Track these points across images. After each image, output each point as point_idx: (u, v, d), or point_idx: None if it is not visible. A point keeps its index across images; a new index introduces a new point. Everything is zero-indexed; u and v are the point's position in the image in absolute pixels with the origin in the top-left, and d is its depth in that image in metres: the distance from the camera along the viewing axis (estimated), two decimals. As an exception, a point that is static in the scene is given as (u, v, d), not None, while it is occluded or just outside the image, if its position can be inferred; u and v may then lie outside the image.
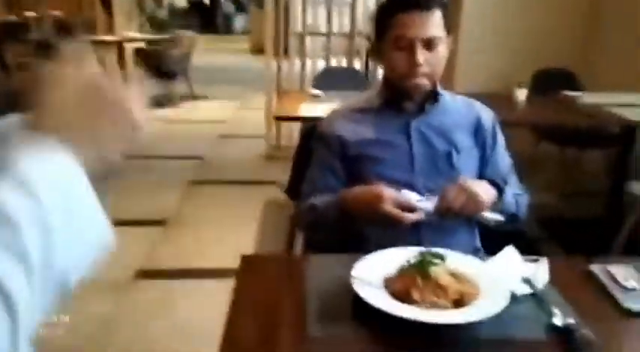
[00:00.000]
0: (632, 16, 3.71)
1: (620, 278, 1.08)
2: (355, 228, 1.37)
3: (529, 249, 1.44)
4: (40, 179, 0.50)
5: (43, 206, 0.49)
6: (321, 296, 1.03)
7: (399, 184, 1.33)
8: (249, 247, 3.00)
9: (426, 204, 1.22)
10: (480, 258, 1.44)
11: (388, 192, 1.21)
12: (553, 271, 1.09)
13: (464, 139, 1.42)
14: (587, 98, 3.13)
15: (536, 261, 1.15)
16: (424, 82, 1.36)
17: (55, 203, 0.50)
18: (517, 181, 1.49)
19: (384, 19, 1.38)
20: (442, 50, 1.35)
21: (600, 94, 3.24)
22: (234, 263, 2.94)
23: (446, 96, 1.45)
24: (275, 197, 3.68)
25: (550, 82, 3.55)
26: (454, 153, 1.39)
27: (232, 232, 3.20)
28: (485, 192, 1.25)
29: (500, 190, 1.30)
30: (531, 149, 3.68)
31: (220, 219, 3.41)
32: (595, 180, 3.56)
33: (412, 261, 1.03)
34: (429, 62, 1.33)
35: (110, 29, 8.24)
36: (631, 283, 1.07)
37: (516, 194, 1.41)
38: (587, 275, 1.10)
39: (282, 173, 4.27)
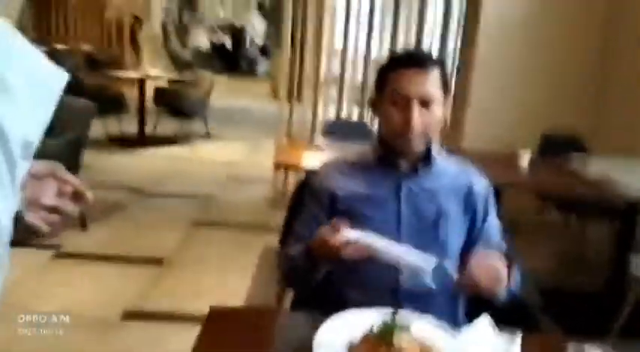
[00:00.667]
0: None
1: (594, 361, 1.04)
2: (331, 286, 1.35)
3: (521, 318, 1.39)
4: None
5: None
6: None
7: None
8: (243, 294, 2.96)
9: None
10: (458, 326, 1.41)
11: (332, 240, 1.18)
12: (526, 348, 1.05)
13: (453, 206, 1.40)
14: (594, 163, 3.09)
15: (510, 334, 1.11)
16: (417, 141, 1.35)
17: None
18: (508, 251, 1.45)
19: (383, 74, 1.39)
20: (438, 110, 1.35)
21: (608, 160, 3.22)
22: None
23: (440, 159, 1.44)
24: (274, 244, 3.66)
25: (557, 145, 3.55)
26: (442, 220, 1.37)
27: (229, 277, 3.17)
28: (503, 268, 1.20)
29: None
30: (534, 214, 3.64)
31: (218, 262, 3.39)
32: (598, 252, 3.48)
33: (377, 327, 1.00)
34: (424, 120, 1.32)
35: (136, 66, 8.50)
36: (606, 367, 1.03)
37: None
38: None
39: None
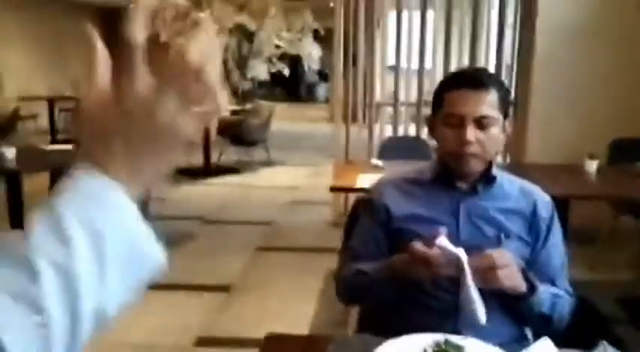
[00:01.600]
0: None
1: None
2: (400, 306, 1.35)
3: (605, 332, 1.33)
4: (75, 221, 0.43)
5: (72, 253, 0.42)
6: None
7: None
8: (309, 317, 2.99)
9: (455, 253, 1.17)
10: (524, 346, 1.36)
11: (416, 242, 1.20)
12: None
13: (516, 226, 1.36)
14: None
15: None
16: (473, 162, 1.33)
17: (87, 248, 0.43)
18: (566, 282, 1.40)
19: (439, 95, 1.38)
20: (496, 131, 1.32)
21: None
22: (293, 333, 2.94)
23: (503, 179, 1.40)
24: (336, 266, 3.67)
25: (627, 152, 3.37)
26: (503, 239, 1.33)
27: (295, 302, 3.21)
28: (509, 273, 1.18)
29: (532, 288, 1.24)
30: (609, 223, 3.45)
31: (284, 287, 3.44)
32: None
33: (429, 350, 0.99)
34: (480, 141, 1.30)
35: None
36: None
37: (555, 295, 1.32)
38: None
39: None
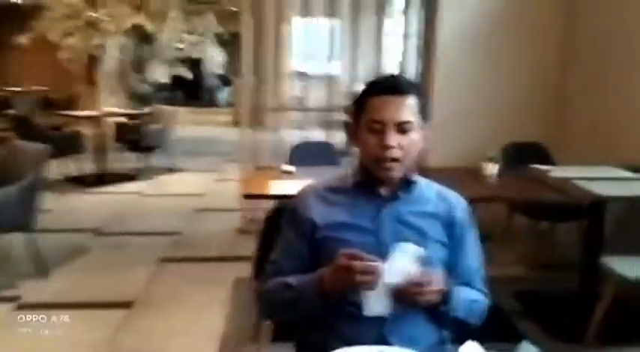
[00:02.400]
0: (598, 91, 3.82)
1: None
2: (324, 316, 1.32)
3: (505, 325, 1.37)
4: None
5: None
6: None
7: None
8: (219, 330, 2.86)
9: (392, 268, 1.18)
10: (446, 350, 1.37)
11: (343, 250, 1.22)
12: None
13: (435, 230, 1.38)
14: (557, 172, 3.14)
15: (496, 357, 1.07)
16: (395, 169, 1.34)
17: None
18: (482, 282, 1.44)
19: (359, 101, 1.38)
20: (416, 136, 1.34)
21: (570, 168, 3.27)
22: (203, 349, 2.80)
23: (421, 184, 1.43)
24: (246, 274, 3.57)
25: (521, 156, 3.59)
26: (423, 245, 1.33)
27: (203, 314, 3.06)
28: (429, 298, 1.22)
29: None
30: (504, 222, 3.66)
31: (191, 299, 3.27)
32: (569, 252, 3.52)
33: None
34: (402, 146, 1.31)
35: (94, 103, 8.35)
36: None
37: (471, 300, 1.36)
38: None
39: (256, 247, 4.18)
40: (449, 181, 1.52)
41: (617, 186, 2.89)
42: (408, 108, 1.32)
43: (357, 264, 1.16)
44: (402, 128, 1.31)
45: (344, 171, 1.47)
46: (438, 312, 1.28)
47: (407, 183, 1.39)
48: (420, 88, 1.39)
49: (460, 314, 1.31)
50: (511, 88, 4.17)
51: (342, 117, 5.32)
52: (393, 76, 1.51)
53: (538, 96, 4.22)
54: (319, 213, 1.38)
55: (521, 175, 3.16)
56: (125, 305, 3.16)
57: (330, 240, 1.34)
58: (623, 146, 3.49)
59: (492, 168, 3.12)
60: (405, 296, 1.18)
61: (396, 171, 1.34)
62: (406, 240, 1.30)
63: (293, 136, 4.93)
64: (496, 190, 3.02)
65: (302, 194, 1.46)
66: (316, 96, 5.14)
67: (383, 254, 1.30)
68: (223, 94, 17.83)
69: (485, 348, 1.11)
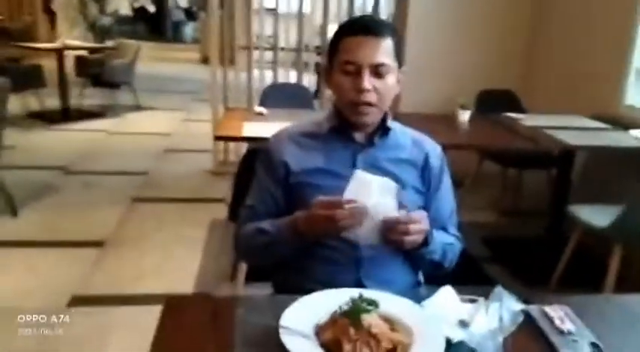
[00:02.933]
0: (569, 41, 3.84)
1: (556, 321, 1.07)
2: (300, 258, 1.33)
3: (474, 270, 1.43)
4: None
5: None
6: (248, 345, 0.96)
7: None
8: (193, 270, 2.89)
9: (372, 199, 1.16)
10: (420, 292, 1.43)
11: (318, 199, 1.19)
12: (490, 313, 1.06)
13: (410, 176, 1.38)
14: (528, 121, 3.20)
15: (474, 301, 1.12)
16: (371, 114, 1.32)
17: None
18: (455, 227, 1.47)
19: (334, 42, 1.34)
20: (391, 80, 1.31)
21: (540, 116, 3.33)
22: (177, 287, 2.83)
23: (396, 130, 1.41)
24: (221, 216, 3.58)
25: (493, 103, 3.63)
26: (399, 189, 1.35)
27: (176, 255, 3.07)
28: (415, 239, 1.21)
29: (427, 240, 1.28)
30: (475, 168, 3.74)
31: (163, 239, 3.27)
32: (536, 200, 3.64)
33: (344, 307, 0.98)
34: (377, 90, 1.29)
35: (51, 36, 7.94)
36: (567, 325, 1.06)
37: (447, 244, 1.38)
38: (524, 318, 1.08)
39: (229, 190, 4.20)
40: (421, 127, 1.52)
41: (585, 135, 2.97)
42: (384, 50, 1.28)
43: (339, 212, 1.14)
44: (378, 71, 1.28)
45: (319, 115, 1.45)
46: (416, 254, 1.30)
47: (383, 129, 1.38)
48: (396, 30, 1.34)
49: (436, 257, 1.33)
50: (484, 36, 4.16)
51: (313, 58, 5.24)
52: (368, 16, 1.46)
53: (510, 45, 4.22)
54: (294, 157, 1.37)
55: (493, 122, 3.21)
56: (97, 244, 3.15)
57: (305, 186, 1.34)
58: (588, 96, 3.56)
59: (464, 115, 3.15)
60: (393, 234, 1.17)
61: (371, 116, 1.33)
62: None
63: (264, 76, 4.84)
64: (467, 137, 3.06)
65: (276, 138, 1.44)
66: (286, 35, 5.00)
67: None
68: (189, 30, 17.18)
69: (458, 292, 1.15)
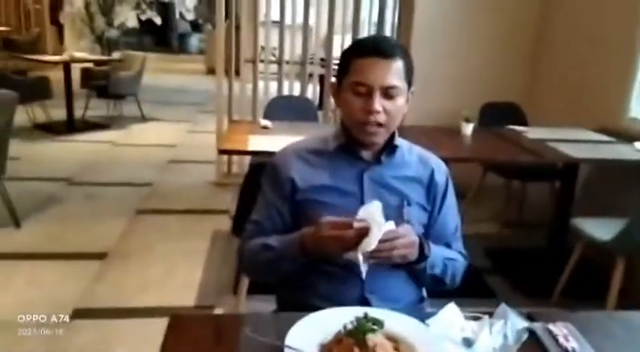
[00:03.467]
0: (573, 54, 3.85)
1: (560, 339, 1.06)
2: (304, 274, 1.33)
3: (476, 282, 1.42)
4: None
5: None
6: (252, 364, 0.96)
7: None
8: (195, 283, 2.89)
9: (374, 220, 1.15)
10: (424, 309, 1.42)
11: (325, 219, 1.18)
12: (494, 331, 1.06)
13: (416, 193, 1.38)
14: (532, 133, 3.21)
15: (478, 318, 1.12)
16: (379, 134, 1.32)
17: None
18: (460, 245, 1.46)
19: (345, 60, 1.33)
20: (401, 101, 1.31)
21: (544, 129, 3.34)
22: (180, 300, 2.83)
23: (403, 147, 1.42)
24: (224, 227, 3.58)
25: (497, 115, 3.64)
26: (405, 206, 1.35)
27: (179, 267, 3.07)
28: (402, 252, 1.20)
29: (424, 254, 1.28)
30: (478, 180, 3.73)
31: (166, 251, 3.28)
32: (539, 212, 3.63)
33: (349, 327, 0.98)
34: (387, 111, 1.29)
35: (58, 48, 8.01)
36: (571, 344, 1.05)
37: (448, 258, 1.37)
38: (529, 336, 1.07)
39: (233, 201, 4.19)
40: (425, 139, 1.53)
41: (589, 148, 2.97)
42: (394, 71, 1.28)
43: (347, 232, 1.14)
44: (388, 92, 1.28)
45: (325, 132, 1.46)
46: (415, 269, 1.30)
47: (389, 148, 1.38)
48: (407, 52, 1.35)
49: (437, 271, 1.32)
50: (488, 48, 4.17)
51: (318, 69, 5.26)
52: (380, 37, 1.46)
53: (515, 57, 4.23)
54: (300, 174, 1.37)
55: (497, 135, 3.22)
56: (99, 256, 3.16)
57: (312, 203, 1.34)
58: (592, 109, 3.56)
59: (468, 128, 3.15)
60: (378, 253, 1.15)
61: (379, 136, 1.33)
62: (388, 204, 1.31)
63: (268, 88, 4.86)
64: (471, 150, 3.06)
65: (282, 154, 1.44)
66: (292, 46, 5.02)
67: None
68: (194, 41, 17.31)
69: (459, 304, 1.14)
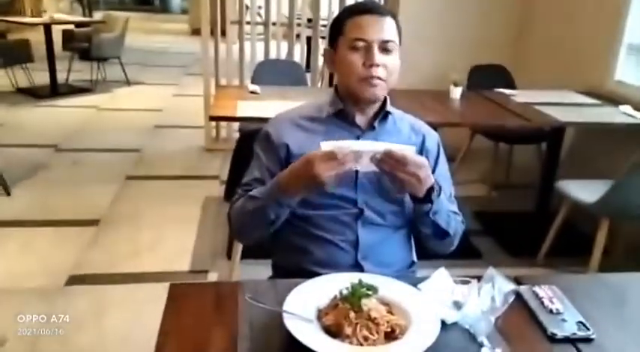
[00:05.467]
0: (561, 16, 3.84)
1: (546, 301, 1.12)
2: (299, 240, 1.35)
3: (464, 243, 1.46)
4: None
5: None
6: (253, 330, 1.00)
7: (340, 199, 1.34)
8: (188, 248, 2.93)
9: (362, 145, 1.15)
10: (415, 273, 1.47)
11: (315, 153, 1.15)
12: (483, 294, 1.11)
13: None
14: (520, 97, 3.23)
15: (467, 282, 1.16)
16: (381, 88, 1.33)
17: None
18: (456, 209, 1.46)
19: (340, 23, 1.36)
20: (397, 57, 1.35)
21: (531, 92, 3.36)
22: (174, 265, 2.88)
23: (395, 115, 1.44)
24: (215, 193, 3.61)
25: (485, 78, 3.65)
26: None
27: (171, 233, 3.11)
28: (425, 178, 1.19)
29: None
30: (466, 143, 3.77)
31: (158, 217, 3.30)
32: (527, 174, 3.69)
33: (344, 292, 1.02)
34: (386, 65, 1.32)
35: (37, 9, 7.78)
36: (556, 306, 1.10)
37: (451, 211, 1.37)
38: (515, 298, 1.13)
39: (223, 166, 4.22)
40: (414, 104, 1.53)
41: (575, 111, 3.00)
42: (389, 27, 1.33)
43: (315, 153, 1.13)
44: (386, 47, 1.32)
45: (319, 100, 1.46)
46: (421, 211, 1.28)
47: (382, 114, 1.40)
48: (395, 14, 1.39)
49: (442, 222, 1.32)
50: (476, 11, 4.15)
51: (305, 31, 5.19)
52: (369, 1, 1.43)
53: (502, 20, 4.21)
54: (295, 140, 1.38)
55: (485, 99, 3.23)
56: (92, 222, 3.18)
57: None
58: (579, 71, 3.58)
59: (456, 92, 3.16)
60: (390, 164, 1.14)
61: (381, 90, 1.34)
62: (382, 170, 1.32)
63: (255, 50, 4.78)
64: (459, 114, 3.07)
65: (277, 120, 1.45)
66: (278, 5, 4.93)
67: (359, 184, 1.35)
68: (177, 0, 16.88)
69: (447, 266, 1.18)
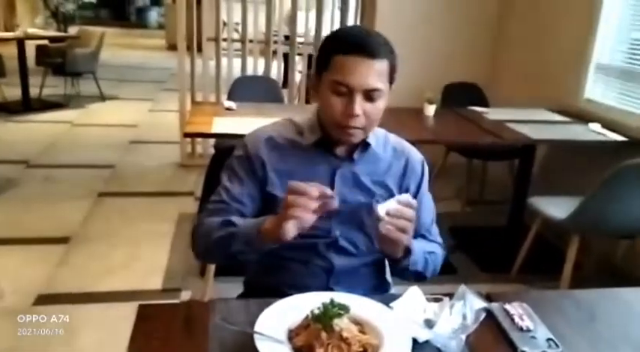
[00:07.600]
0: (532, 36, 3.93)
1: (516, 319, 1.12)
2: (272, 261, 1.33)
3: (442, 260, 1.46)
4: None
5: None
6: (223, 351, 0.99)
7: (316, 230, 1.25)
8: (161, 266, 2.88)
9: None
10: (388, 292, 1.47)
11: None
12: (454, 312, 1.11)
13: (389, 190, 1.36)
14: (492, 114, 3.29)
15: (439, 300, 1.17)
16: (357, 136, 1.27)
17: None
18: (437, 233, 1.46)
19: (327, 54, 1.24)
20: (382, 104, 1.24)
21: (504, 110, 3.42)
22: (146, 283, 2.82)
23: (378, 140, 1.37)
24: (189, 210, 3.57)
25: (459, 96, 3.71)
26: (374, 203, 1.23)
27: (144, 249, 3.06)
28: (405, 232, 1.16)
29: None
30: (441, 159, 3.81)
31: (131, 234, 3.25)
32: (501, 190, 3.75)
33: (316, 312, 1.01)
34: (367, 114, 1.23)
35: (11, 23, 7.68)
36: (526, 323, 1.11)
37: (428, 252, 1.36)
38: (486, 316, 1.13)
39: (198, 182, 4.17)
40: (389, 121, 1.49)
41: (547, 129, 3.07)
42: (378, 73, 1.20)
43: (313, 190, 1.09)
44: (370, 95, 1.21)
45: (301, 120, 1.39)
46: (398, 267, 1.28)
47: (363, 145, 1.33)
48: (392, 49, 1.24)
49: (419, 267, 1.31)
50: (451, 30, 4.23)
51: (282, 48, 5.21)
52: (364, 32, 1.28)
53: (476, 38, 4.30)
54: (272, 162, 1.32)
55: (459, 116, 3.28)
56: (62, 240, 3.11)
57: (280, 200, 1.20)
58: (550, 90, 3.67)
59: (430, 109, 3.20)
60: (398, 219, 1.11)
61: (357, 137, 1.28)
62: (358, 201, 1.31)
63: (232, 66, 4.77)
64: (433, 132, 3.11)
65: (254, 136, 1.37)
66: (255, 22, 4.95)
67: (333, 213, 1.23)
68: (153, 15, 16.84)
69: (424, 287, 1.19)
